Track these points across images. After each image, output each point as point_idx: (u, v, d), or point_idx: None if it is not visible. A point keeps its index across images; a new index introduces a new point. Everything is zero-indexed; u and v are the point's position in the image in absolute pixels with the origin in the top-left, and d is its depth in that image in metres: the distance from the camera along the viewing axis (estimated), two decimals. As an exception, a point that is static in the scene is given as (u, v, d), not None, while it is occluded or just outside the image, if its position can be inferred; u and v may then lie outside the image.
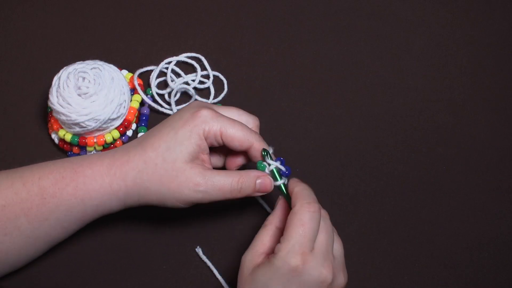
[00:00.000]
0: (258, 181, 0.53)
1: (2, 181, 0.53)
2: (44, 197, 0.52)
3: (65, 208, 0.53)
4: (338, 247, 0.53)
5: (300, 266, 0.48)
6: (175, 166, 0.51)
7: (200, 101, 0.57)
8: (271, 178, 0.54)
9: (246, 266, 0.51)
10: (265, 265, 0.49)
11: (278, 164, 0.54)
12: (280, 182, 0.54)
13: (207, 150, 0.53)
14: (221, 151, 0.57)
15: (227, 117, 0.54)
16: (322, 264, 0.49)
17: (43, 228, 0.53)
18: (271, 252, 0.50)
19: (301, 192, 0.52)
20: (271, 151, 0.54)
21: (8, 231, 0.52)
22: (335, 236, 0.53)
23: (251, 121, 0.56)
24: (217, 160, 0.58)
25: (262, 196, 0.61)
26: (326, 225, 0.51)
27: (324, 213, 0.53)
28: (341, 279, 0.51)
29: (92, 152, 0.64)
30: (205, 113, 0.52)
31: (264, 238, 0.52)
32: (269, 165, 0.54)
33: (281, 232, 0.51)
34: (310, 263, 0.48)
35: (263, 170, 0.54)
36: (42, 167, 0.54)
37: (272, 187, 0.54)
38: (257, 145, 0.53)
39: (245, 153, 0.55)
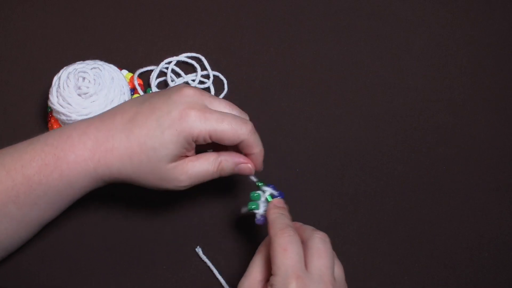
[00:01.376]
0: (238, 167, 0.55)
1: None
2: (30, 185, 0.52)
3: (53, 193, 0.52)
4: (338, 270, 0.51)
5: None
6: (160, 167, 0.52)
7: (190, 88, 0.54)
8: (251, 165, 0.55)
9: None
10: None
11: (271, 189, 0.55)
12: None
13: (194, 146, 0.53)
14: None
15: (216, 115, 0.52)
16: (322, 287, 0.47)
17: (34, 212, 0.53)
18: (267, 280, 0.49)
19: (274, 220, 0.52)
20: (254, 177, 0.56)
21: None
22: (335, 260, 0.52)
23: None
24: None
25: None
26: (322, 249, 0.50)
27: (322, 235, 0.51)
28: None
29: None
30: (193, 117, 0.51)
31: (260, 264, 0.51)
32: (264, 192, 0.55)
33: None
34: (309, 286, 0.47)
35: (258, 199, 0.55)
36: (22, 153, 0.53)
37: (253, 172, 0.55)
38: (246, 141, 0.53)
39: None
